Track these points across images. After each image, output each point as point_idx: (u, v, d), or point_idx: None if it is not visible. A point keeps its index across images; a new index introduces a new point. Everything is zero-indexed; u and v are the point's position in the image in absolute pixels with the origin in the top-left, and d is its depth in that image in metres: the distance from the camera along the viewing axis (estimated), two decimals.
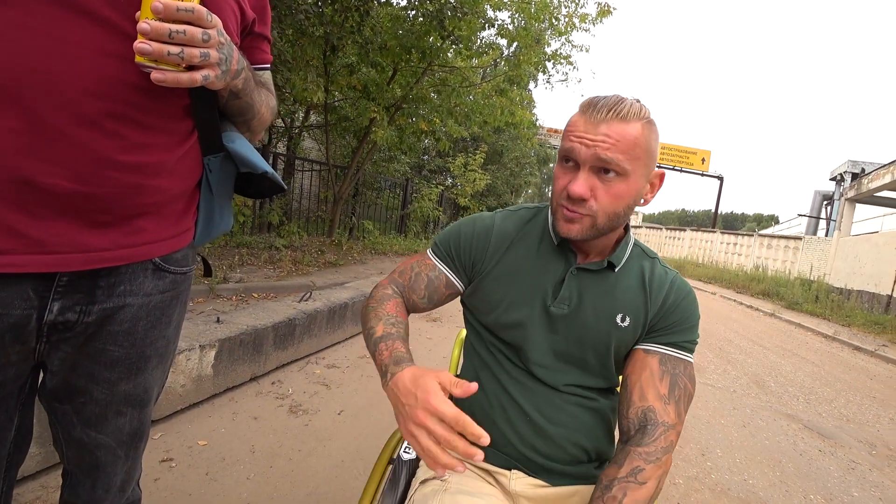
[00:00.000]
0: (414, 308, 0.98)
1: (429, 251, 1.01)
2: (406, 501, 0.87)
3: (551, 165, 20.83)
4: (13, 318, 0.66)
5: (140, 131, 0.68)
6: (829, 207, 19.66)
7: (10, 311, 0.65)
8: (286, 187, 0.94)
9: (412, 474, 0.95)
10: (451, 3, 5.56)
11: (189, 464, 1.84)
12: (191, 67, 0.64)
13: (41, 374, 0.79)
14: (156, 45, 0.59)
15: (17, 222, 0.63)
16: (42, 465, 1.61)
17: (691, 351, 0.89)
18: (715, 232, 19.95)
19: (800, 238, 14.93)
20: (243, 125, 0.88)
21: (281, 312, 2.97)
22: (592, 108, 0.80)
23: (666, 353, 0.87)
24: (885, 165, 11.28)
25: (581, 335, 0.89)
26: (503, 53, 8.58)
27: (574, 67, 8.28)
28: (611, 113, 0.78)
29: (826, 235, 17.15)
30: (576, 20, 7.19)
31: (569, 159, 0.82)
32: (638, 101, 0.82)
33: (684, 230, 22.83)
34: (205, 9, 0.62)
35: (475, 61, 7.77)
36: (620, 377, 0.94)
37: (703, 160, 24.45)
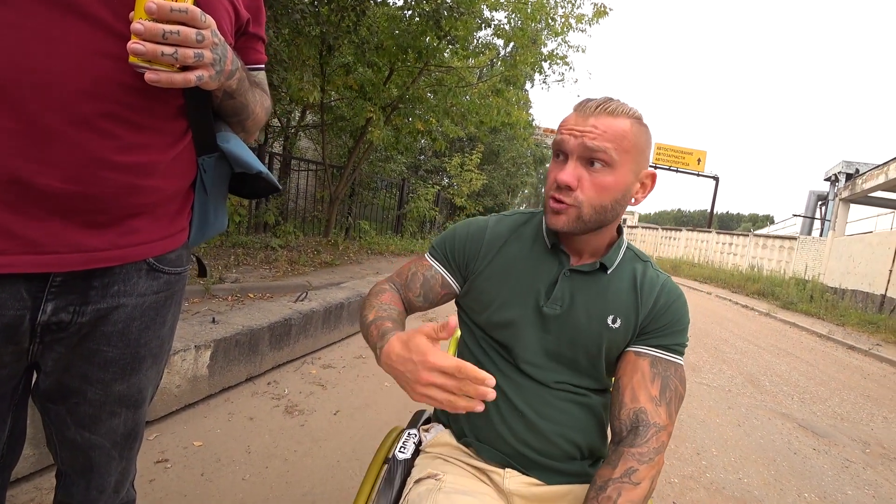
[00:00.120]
0: (411, 306, 0.99)
1: (426, 254, 1.04)
2: (401, 501, 0.87)
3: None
4: (6, 319, 0.66)
5: (134, 131, 0.68)
6: (823, 208, 19.78)
7: (3, 311, 0.65)
8: (281, 187, 0.94)
9: (407, 474, 0.95)
10: (447, 3, 5.56)
11: (184, 464, 1.83)
12: (185, 68, 0.64)
13: (35, 375, 0.79)
14: (150, 46, 0.59)
15: (12, 223, 0.63)
16: (36, 466, 1.61)
17: (681, 354, 0.90)
18: (710, 232, 20.02)
19: (795, 238, 15.01)
20: (238, 125, 0.88)
21: (277, 312, 2.96)
22: (583, 104, 0.84)
23: (657, 356, 0.88)
24: (878, 166, 11.34)
25: (573, 336, 0.90)
26: (499, 53, 8.60)
27: (570, 68, 8.31)
28: (599, 108, 0.82)
29: (821, 235, 17.25)
30: (572, 21, 7.20)
31: (559, 153, 0.85)
32: (632, 107, 0.85)
33: (680, 230, 22.90)
34: (199, 9, 0.62)
35: (471, 61, 7.76)
36: (613, 379, 0.94)
37: (699, 160, 24.55)
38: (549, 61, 7.78)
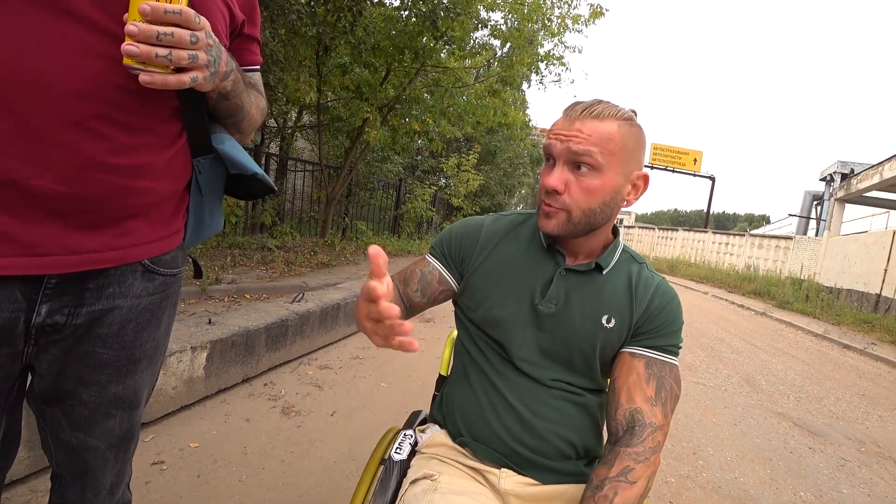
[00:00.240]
0: (410, 302, 1.00)
1: (427, 254, 1.06)
2: (397, 502, 0.88)
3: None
4: (0, 321, 0.66)
5: (128, 133, 0.68)
6: (819, 207, 19.86)
7: None
8: (276, 188, 0.94)
9: (403, 475, 0.95)
10: (444, 3, 5.56)
11: (180, 466, 1.83)
12: (179, 69, 0.64)
13: (29, 377, 0.78)
14: (143, 48, 0.59)
15: (6, 224, 0.62)
16: (31, 468, 1.60)
17: (676, 354, 0.91)
18: (707, 232, 20.08)
19: (790, 238, 15.07)
20: (233, 127, 0.88)
21: (273, 313, 2.96)
22: (571, 108, 0.84)
23: (652, 357, 0.89)
24: (873, 166, 11.40)
25: (567, 335, 0.90)
26: (496, 54, 8.60)
27: (567, 68, 8.34)
28: (585, 111, 0.82)
29: (816, 235, 17.33)
30: (568, 21, 7.22)
31: (549, 157, 0.86)
32: (628, 108, 0.85)
33: (676, 230, 22.96)
34: (193, 11, 0.62)
35: (468, 62, 7.77)
36: (608, 380, 0.95)
37: (696, 160, 24.64)
38: (545, 62, 7.80)
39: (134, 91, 0.65)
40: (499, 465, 0.92)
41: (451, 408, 1.00)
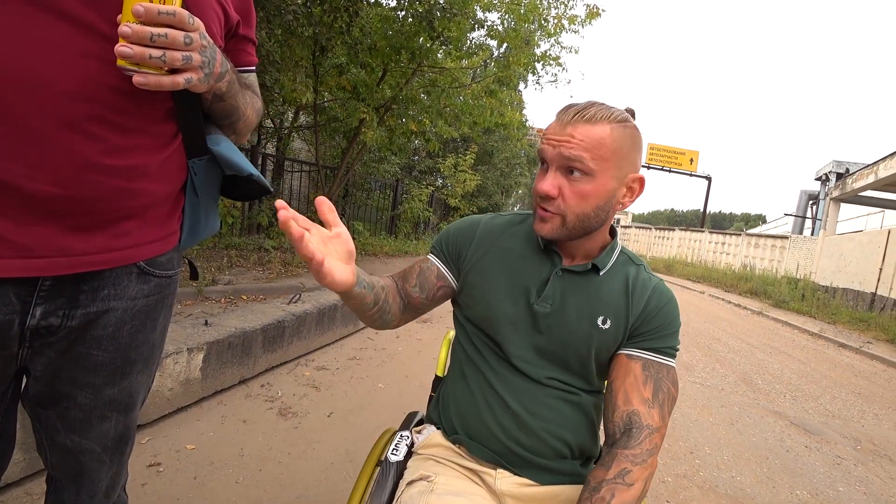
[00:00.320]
0: (408, 297, 1.00)
1: (428, 253, 1.07)
2: (393, 503, 0.87)
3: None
4: None
5: (122, 134, 0.68)
6: (814, 207, 19.93)
7: None
8: (273, 189, 0.94)
9: (399, 476, 0.95)
10: (440, 4, 5.55)
11: (177, 468, 1.82)
12: (173, 70, 0.63)
13: (24, 380, 0.78)
14: (137, 49, 0.59)
15: (0, 227, 0.62)
16: (26, 471, 1.59)
17: (673, 356, 0.91)
18: (703, 231, 20.15)
19: (786, 237, 15.14)
20: (228, 128, 0.88)
21: (270, 314, 2.95)
22: (563, 112, 0.84)
23: (649, 359, 0.89)
24: (868, 165, 11.45)
25: (563, 335, 0.90)
26: (493, 54, 8.60)
27: (563, 69, 8.32)
28: (577, 115, 0.81)
29: (812, 234, 17.39)
30: (565, 22, 7.22)
31: (542, 162, 0.86)
32: (625, 108, 0.85)
33: (673, 230, 23.03)
34: (186, 12, 0.62)
35: (465, 62, 7.77)
36: (606, 382, 0.95)
37: (692, 160, 24.70)
38: (542, 62, 7.80)
39: (128, 92, 0.65)
40: (494, 465, 0.92)
41: (447, 406, 1.00)
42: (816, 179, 17.49)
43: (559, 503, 0.90)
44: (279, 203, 0.63)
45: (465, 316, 1.01)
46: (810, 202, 21.68)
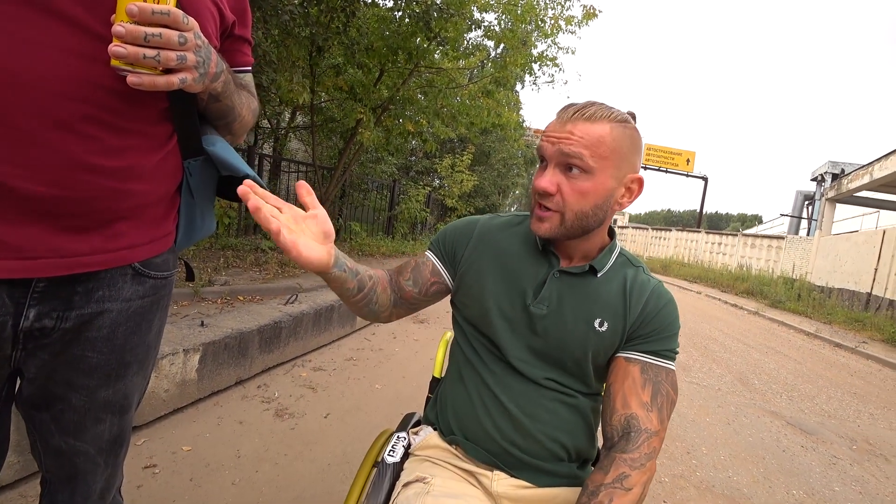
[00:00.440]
0: (401, 290, 0.99)
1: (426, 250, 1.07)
2: None
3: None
4: None
5: (116, 135, 0.67)
6: (810, 207, 20.03)
7: None
8: (269, 190, 0.94)
9: (396, 477, 0.95)
10: (437, 4, 5.55)
11: (173, 470, 1.81)
12: (168, 70, 0.63)
13: (18, 382, 0.77)
14: (131, 49, 0.58)
15: None
16: (20, 473, 1.58)
17: (672, 359, 0.89)
18: (700, 232, 20.20)
19: (782, 237, 15.18)
20: (224, 128, 0.87)
21: (266, 315, 2.94)
22: (563, 110, 0.84)
23: (648, 362, 0.88)
24: (863, 166, 11.51)
25: (560, 337, 0.90)
26: (490, 55, 8.59)
27: (560, 69, 8.32)
28: (577, 113, 0.82)
29: (808, 235, 17.47)
30: (562, 22, 7.22)
31: (542, 159, 0.86)
32: (622, 110, 0.85)
33: (670, 230, 23.08)
34: (181, 11, 0.61)
35: (462, 63, 7.76)
36: (604, 385, 0.94)
37: (688, 161, 24.78)
38: (538, 63, 7.80)
39: (121, 92, 0.64)
40: (491, 467, 0.92)
41: (444, 407, 1.00)
42: (812, 180, 17.58)
43: None
44: (241, 190, 0.65)
45: (462, 317, 1.01)
46: (806, 203, 21.79)
